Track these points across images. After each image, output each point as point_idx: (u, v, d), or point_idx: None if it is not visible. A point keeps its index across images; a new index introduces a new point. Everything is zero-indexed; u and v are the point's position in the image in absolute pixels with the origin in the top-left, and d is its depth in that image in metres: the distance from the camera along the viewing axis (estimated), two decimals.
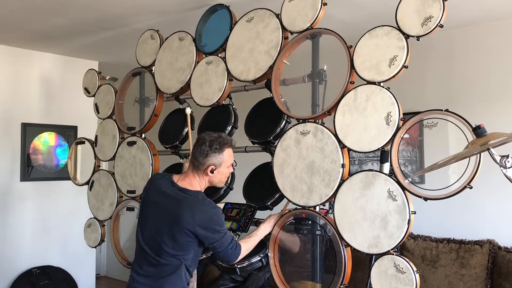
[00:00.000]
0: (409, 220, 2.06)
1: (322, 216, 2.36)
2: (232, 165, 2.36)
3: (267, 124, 2.68)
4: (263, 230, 2.44)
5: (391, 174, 2.15)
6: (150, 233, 2.23)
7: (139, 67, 3.48)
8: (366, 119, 2.20)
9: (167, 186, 2.25)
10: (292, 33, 2.56)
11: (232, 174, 2.90)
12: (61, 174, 4.70)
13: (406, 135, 2.25)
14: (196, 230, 2.11)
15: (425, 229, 3.49)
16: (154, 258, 2.19)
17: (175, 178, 2.29)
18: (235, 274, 3.05)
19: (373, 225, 2.15)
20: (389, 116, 2.13)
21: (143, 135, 3.41)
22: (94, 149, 3.71)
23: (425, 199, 2.04)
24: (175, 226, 2.13)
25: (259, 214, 2.76)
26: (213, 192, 2.88)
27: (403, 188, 2.09)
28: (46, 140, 4.62)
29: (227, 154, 2.25)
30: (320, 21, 2.45)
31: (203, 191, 2.26)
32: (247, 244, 2.32)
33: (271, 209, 2.67)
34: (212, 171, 2.22)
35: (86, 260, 5.01)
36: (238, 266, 2.46)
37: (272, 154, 2.60)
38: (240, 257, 2.27)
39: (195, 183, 2.25)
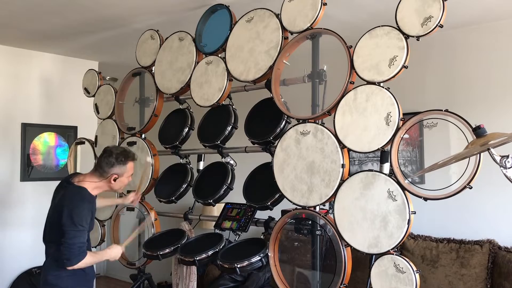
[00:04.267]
0: (409, 220, 2.06)
1: (322, 216, 2.36)
2: (131, 176, 2.66)
3: (267, 124, 2.68)
4: (108, 254, 2.59)
5: (391, 174, 2.15)
6: None
7: (139, 67, 3.48)
8: (366, 119, 2.20)
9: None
10: (292, 33, 2.56)
11: (232, 174, 2.91)
12: (61, 174, 4.68)
13: (406, 135, 2.25)
14: None
15: (425, 229, 3.49)
16: None
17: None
18: (235, 274, 3.05)
19: (373, 225, 2.15)
20: (389, 116, 2.13)
21: (143, 135, 3.41)
22: (94, 149, 3.71)
23: (425, 199, 2.04)
24: None
25: (259, 214, 2.75)
26: (212, 192, 2.88)
27: (403, 188, 2.09)
28: (46, 140, 4.62)
29: (129, 166, 2.58)
30: (320, 21, 2.44)
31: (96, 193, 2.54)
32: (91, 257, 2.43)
33: (271, 209, 2.66)
34: (115, 180, 2.53)
35: None
36: (238, 266, 2.46)
37: (272, 154, 2.60)
38: (80, 263, 2.34)
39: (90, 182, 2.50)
